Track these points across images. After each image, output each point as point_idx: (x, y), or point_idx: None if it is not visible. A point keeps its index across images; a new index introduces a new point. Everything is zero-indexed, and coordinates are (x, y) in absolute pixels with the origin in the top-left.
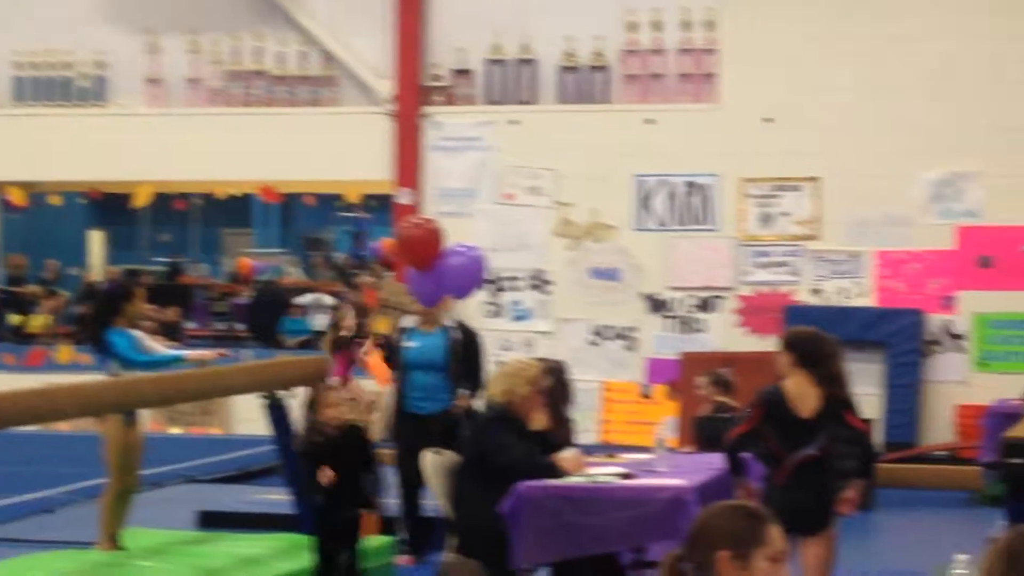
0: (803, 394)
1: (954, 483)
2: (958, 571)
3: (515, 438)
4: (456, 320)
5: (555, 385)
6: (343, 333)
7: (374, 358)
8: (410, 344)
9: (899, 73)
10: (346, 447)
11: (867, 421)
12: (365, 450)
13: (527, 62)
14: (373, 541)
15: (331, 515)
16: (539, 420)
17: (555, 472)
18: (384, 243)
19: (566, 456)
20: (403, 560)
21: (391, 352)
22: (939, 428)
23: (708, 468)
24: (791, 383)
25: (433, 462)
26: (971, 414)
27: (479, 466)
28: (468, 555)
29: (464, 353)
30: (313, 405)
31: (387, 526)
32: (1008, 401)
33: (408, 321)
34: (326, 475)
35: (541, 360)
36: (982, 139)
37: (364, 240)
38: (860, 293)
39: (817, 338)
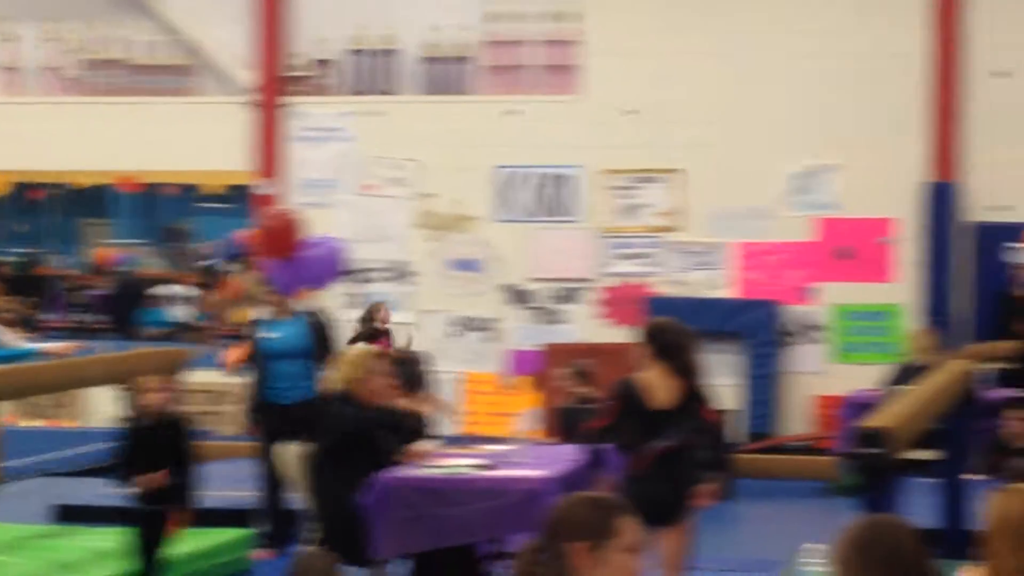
0: (661, 385)
1: (811, 473)
2: (809, 560)
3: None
4: (307, 307)
5: (411, 375)
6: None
7: (236, 349)
8: (269, 335)
9: (762, 67)
10: (161, 437)
11: (720, 413)
12: (181, 442)
13: (389, 52)
14: (228, 535)
15: (141, 508)
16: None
17: (404, 426)
18: (244, 234)
19: (418, 399)
20: (261, 554)
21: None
22: (798, 418)
23: (567, 459)
24: (650, 375)
25: (293, 453)
26: (829, 404)
27: (335, 454)
28: (330, 546)
29: (321, 336)
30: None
31: (243, 519)
32: (864, 391)
33: (261, 312)
34: (149, 479)
35: (397, 351)
36: (842, 133)
37: (219, 234)
38: (721, 284)
39: (674, 329)
